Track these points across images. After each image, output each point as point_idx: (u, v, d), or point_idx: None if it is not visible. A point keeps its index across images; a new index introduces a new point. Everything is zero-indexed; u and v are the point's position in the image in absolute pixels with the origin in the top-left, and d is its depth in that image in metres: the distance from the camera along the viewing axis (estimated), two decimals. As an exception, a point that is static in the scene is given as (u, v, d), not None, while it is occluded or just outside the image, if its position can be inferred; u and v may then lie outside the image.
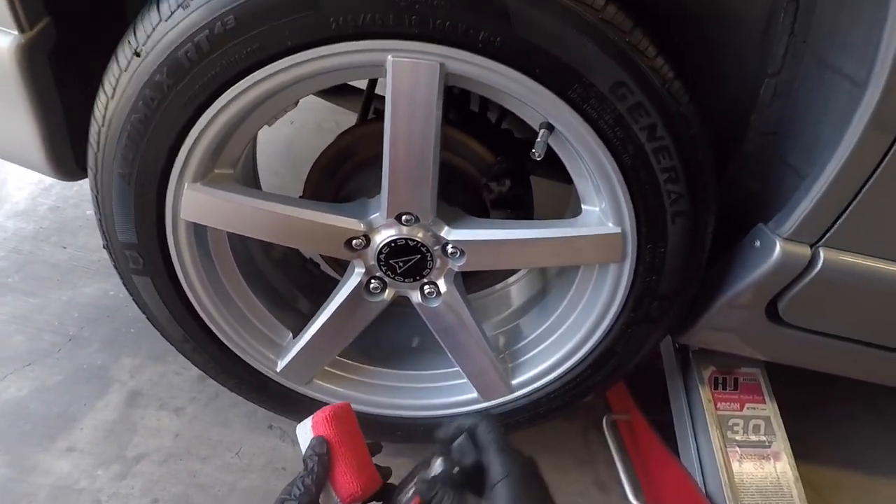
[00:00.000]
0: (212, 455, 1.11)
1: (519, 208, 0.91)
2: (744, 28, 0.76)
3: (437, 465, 0.56)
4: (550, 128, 0.69)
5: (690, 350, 1.15)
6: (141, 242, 0.78)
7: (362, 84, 1.07)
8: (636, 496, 1.15)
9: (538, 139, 0.69)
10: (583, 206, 0.81)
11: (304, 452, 0.60)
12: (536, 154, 0.69)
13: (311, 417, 0.63)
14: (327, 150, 0.93)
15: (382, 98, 1.16)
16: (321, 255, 1.05)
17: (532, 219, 0.95)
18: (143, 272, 0.82)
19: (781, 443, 1.06)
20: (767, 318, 0.84)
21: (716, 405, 1.08)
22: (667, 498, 1.15)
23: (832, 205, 0.69)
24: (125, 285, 0.87)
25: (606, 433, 1.24)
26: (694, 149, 0.71)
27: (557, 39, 0.62)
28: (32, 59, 0.71)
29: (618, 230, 0.76)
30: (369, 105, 1.10)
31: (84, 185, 1.67)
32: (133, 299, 0.89)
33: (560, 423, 1.29)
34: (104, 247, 0.82)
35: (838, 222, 0.70)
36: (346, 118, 1.02)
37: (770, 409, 1.09)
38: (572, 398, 1.02)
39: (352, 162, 0.91)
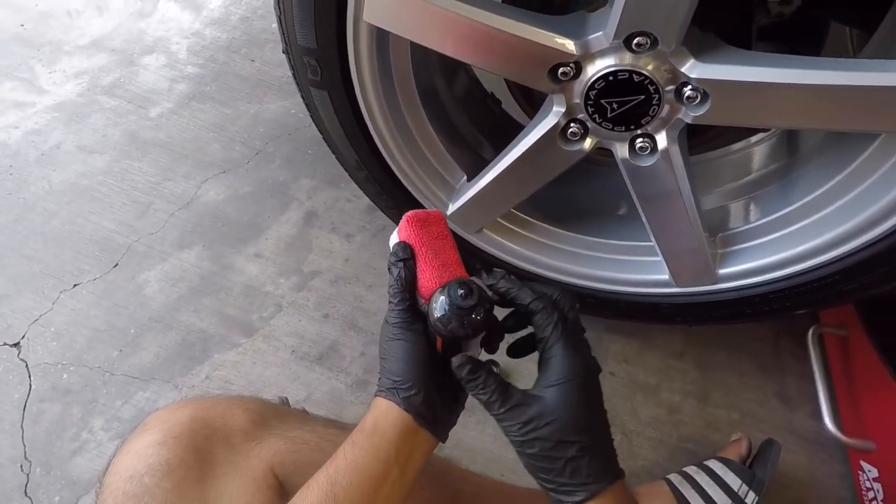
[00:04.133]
0: (377, 284, 1.13)
1: (800, 45, 0.64)
2: None
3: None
4: None
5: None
6: (320, 47, 0.69)
7: None
8: (833, 421, 0.96)
9: None
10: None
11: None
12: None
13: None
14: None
15: None
16: (510, 88, 0.88)
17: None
18: (320, 84, 0.74)
19: None
20: None
21: None
22: (878, 433, 0.94)
23: None
24: (303, 98, 0.80)
25: (810, 345, 1.02)
26: None
27: None
28: None
29: None
30: None
31: (270, -4, 1.65)
32: (311, 116, 0.83)
33: (746, 323, 1.10)
34: (283, 51, 0.74)
35: None
36: None
37: None
38: (797, 305, 0.81)
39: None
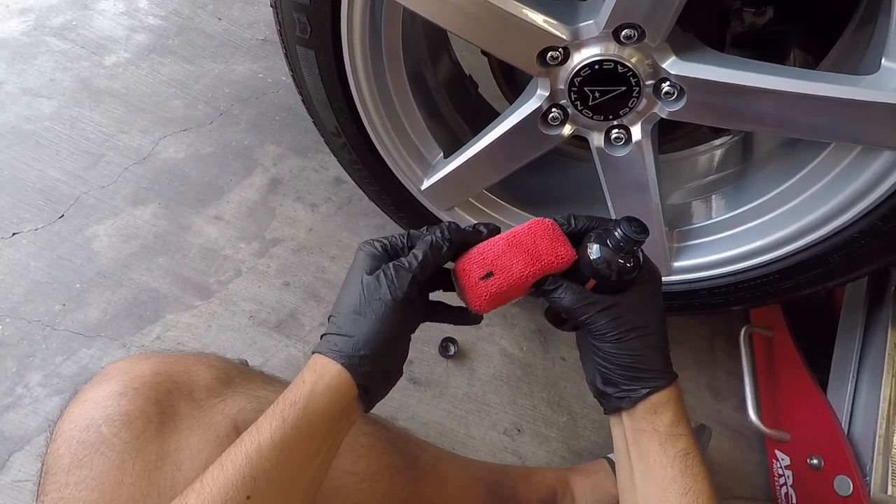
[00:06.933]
0: (340, 256, 1.12)
1: (768, 54, 0.69)
2: None
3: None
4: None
5: (894, 286, 0.95)
6: (313, 3, 0.68)
7: None
8: (756, 413, 1.05)
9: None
10: (883, 63, 0.58)
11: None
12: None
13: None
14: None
15: None
16: (492, 70, 0.90)
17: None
18: (308, 43, 0.73)
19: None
20: None
21: (905, 354, 0.90)
22: (793, 425, 1.04)
23: None
24: (287, 57, 0.79)
25: (742, 344, 1.11)
26: None
27: None
28: None
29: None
30: None
31: (242, -48, 1.58)
32: (292, 77, 0.81)
33: (687, 321, 1.18)
34: (272, 5, 0.72)
35: None
36: None
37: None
38: (738, 301, 0.87)
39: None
